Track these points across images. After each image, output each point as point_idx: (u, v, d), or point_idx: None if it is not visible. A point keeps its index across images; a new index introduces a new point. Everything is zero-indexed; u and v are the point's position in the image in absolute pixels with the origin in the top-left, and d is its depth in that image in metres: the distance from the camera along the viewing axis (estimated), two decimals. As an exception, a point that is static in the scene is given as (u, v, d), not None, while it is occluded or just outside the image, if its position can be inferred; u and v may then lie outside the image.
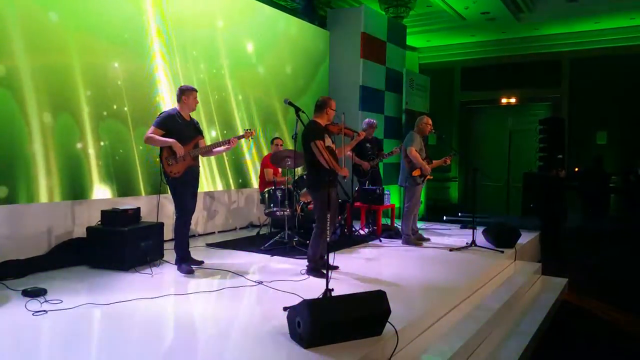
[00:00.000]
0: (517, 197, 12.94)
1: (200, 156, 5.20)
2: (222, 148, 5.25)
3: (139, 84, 6.15)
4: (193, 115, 5.17)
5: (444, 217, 10.28)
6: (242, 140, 5.49)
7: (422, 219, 9.21)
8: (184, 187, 4.97)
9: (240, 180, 7.79)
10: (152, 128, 4.88)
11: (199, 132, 5.14)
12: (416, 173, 6.46)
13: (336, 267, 5.09)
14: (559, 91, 12.85)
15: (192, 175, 5.04)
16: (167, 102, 6.44)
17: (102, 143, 5.71)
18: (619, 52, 11.95)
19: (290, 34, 8.76)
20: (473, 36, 12.82)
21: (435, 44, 13.62)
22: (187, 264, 5.01)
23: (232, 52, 7.55)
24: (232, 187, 7.65)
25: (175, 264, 5.08)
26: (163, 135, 4.85)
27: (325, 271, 4.81)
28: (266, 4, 8.24)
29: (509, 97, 13.42)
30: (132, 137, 6.06)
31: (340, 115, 4.98)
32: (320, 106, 4.93)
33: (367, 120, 7.48)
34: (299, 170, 7.62)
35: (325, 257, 4.71)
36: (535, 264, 6.73)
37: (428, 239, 6.95)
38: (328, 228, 4.50)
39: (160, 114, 5.05)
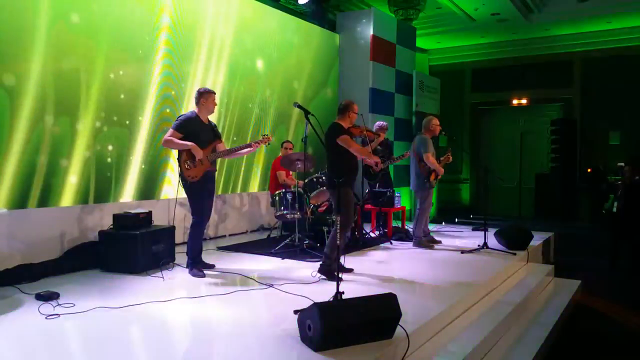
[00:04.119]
0: (529, 198, 12.87)
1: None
2: (244, 151, 5.26)
3: (147, 89, 6.18)
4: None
5: (456, 219, 10.22)
6: (258, 145, 5.48)
7: (433, 221, 9.17)
8: (201, 191, 4.97)
9: (250, 184, 7.81)
10: (170, 131, 4.88)
11: (217, 136, 5.13)
12: (433, 177, 6.51)
13: (351, 270, 5.09)
14: (570, 92, 12.75)
15: (209, 180, 5.05)
16: (180, 107, 6.48)
17: (110, 148, 5.76)
18: (631, 51, 11.83)
19: (300, 38, 8.78)
20: (483, 37, 12.77)
21: (445, 45, 13.58)
22: (198, 267, 5.03)
23: (241, 56, 7.57)
24: (243, 190, 7.67)
25: (187, 267, 5.10)
26: (181, 139, 4.85)
27: (337, 274, 4.85)
28: (276, 8, 8.27)
29: (520, 98, 13.34)
30: (142, 142, 6.11)
31: (360, 116, 5.04)
32: (343, 109, 5.03)
33: (378, 123, 7.48)
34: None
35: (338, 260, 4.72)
36: (548, 265, 6.68)
37: (439, 241, 6.92)
38: (339, 230, 4.52)
39: (179, 116, 5.04)
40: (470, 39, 12.96)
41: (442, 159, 6.74)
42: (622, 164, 10.02)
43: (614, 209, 7.85)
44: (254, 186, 7.89)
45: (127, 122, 5.92)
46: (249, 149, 5.22)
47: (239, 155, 5.42)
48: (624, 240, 7.63)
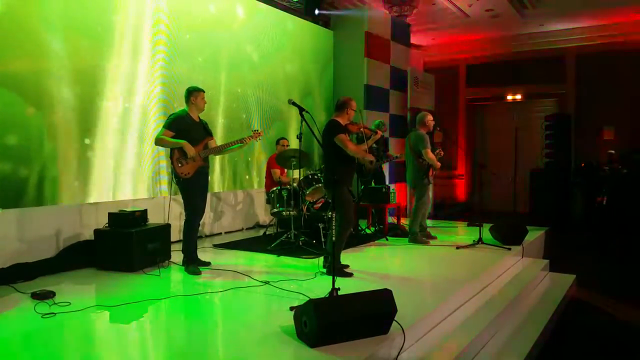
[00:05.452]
0: (523, 193, 12.91)
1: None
2: (235, 147, 5.29)
3: (141, 85, 6.17)
4: (201, 116, 5.20)
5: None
6: (252, 140, 5.51)
7: (428, 217, 9.18)
8: (194, 188, 5.01)
9: (246, 181, 7.81)
10: (162, 129, 4.92)
11: (208, 133, 5.18)
12: (431, 174, 6.55)
13: (346, 266, 5.10)
14: (564, 87, 12.78)
15: (202, 176, 5.08)
16: (172, 104, 6.46)
17: (109, 145, 5.76)
18: (624, 47, 11.87)
19: (294, 35, 8.77)
20: (477, 33, 12.78)
21: (440, 41, 13.58)
22: (194, 265, 5.04)
23: (235, 53, 7.56)
24: (238, 188, 7.67)
25: (183, 265, 5.11)
26: (173, 137, 4.88)
27: (346, 270, 4.86)
28: (270, 5, 8.26)
29: (514, 94, 13.37)
30: (137, 139, 6.10)
31: (358, 112, 5.06)
32: (341, 106, 5.04)
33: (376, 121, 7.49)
34: (304, 170, 7.62)
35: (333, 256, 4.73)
36: (543, 260, 6.70)
37: (435, 237, 6.93)
38: (334, 227, 4.52)
39: (170, 115, 5.09)
40: (465, 35, 12.96)
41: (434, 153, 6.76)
42: (612, 151, 10.09)
43: (604, 203, 7.92)
44: (250, 183, 7.89)
45: (129, 113, 5.90)
46: (240, 144, 5.26)
47: (230, 151, 5.47)
48: (613, 233, 7.69)
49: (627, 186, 9.24)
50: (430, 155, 6.47)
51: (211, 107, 6.98)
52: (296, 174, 6.65)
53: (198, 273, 4.93)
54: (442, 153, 6.85)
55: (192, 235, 5.10)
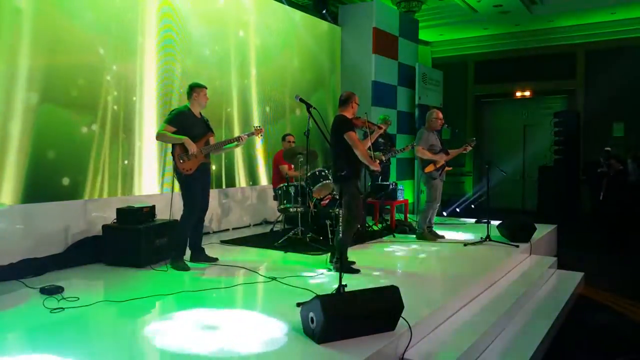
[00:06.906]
0: (532, 191, 12.85)
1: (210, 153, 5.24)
2: (232, 145, 5.28)
3: (147, 78, 6.18)
4: (203, 112, 5.21)
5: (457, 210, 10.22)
6: (254, 137, 5.54)
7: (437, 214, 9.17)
8: (195, 184, 5.00)
9: (253, 177, 7.82)
10: (164, 125, 4.92)
11: (209, 130, 5.18)
12: (429, 169, 6.48)
13: (353, 262, 5.10)
14: (574, 83, 12.70)
15: (203, 172, 5.08)
16: (179, 97, 6.47)
17: (114, 139, 5.78)
18: (635, 42, 11.77)
19: (302, 31, 8.76)
20: (486, 29, 12.71)
21: (448, 37, 13.53)
22: (183, 261, 4.98)
23: (242, 49, 7.57)
24: (246, 184, 7.68)
25: (190, 260, 5.12)
26: (175, 132, 4.89)
27: (353, 267, 4.85)
28: (277, 1, 8.25)
29: (523, 90, 13.30)
30: (142, 133, 6.12)
31: (364, 113, 5.10)
32: (345, 100, 5.02)
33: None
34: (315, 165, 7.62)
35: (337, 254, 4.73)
36: (551, 258, 6.67)
37: (442, 236, 6.88)
38: (341, 223, 4.51)
39: (172, 111, 5.10)
40: (473, 31, 12.90)
41: (451, 152, 6.71)
42: (609, 148, 10.03)
43: (601, 198, 7.92)
44: (257, 180, 7.90)
45: (135, 109, 5.92)
46: (237, 142, 5.28)
47: (229, 149, 5.49)
48: (622, 230, 7.66)
49: (622, 182, 9.27)
50: (420, 152, 6.47)
51: (221, 101, 7.00)
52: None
53: (186, 269, 4.90)
54: (469, 148, 6.83)
55: (186, 230, 5.08)
